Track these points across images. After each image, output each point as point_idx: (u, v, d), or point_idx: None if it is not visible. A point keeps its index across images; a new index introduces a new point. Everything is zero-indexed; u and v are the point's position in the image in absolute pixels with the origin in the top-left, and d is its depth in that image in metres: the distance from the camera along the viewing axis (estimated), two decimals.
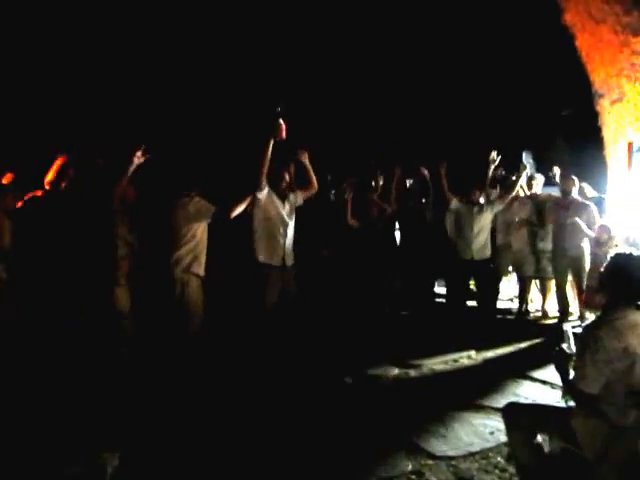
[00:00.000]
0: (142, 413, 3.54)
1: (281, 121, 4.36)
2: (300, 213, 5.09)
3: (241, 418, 3.47)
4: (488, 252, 5.93)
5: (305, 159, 4.85)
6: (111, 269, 4.36)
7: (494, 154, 5.79)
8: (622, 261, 2.30)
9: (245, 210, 4.65)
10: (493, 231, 6.21)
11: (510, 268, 6.55)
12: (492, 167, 5.84)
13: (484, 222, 5.86)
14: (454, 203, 5.89)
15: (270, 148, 4.34)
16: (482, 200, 5.97)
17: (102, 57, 7.91)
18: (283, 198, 4.72)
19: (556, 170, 6.21)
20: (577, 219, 5.45)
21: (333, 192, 6.55)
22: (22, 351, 4.05)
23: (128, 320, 4.42)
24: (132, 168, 4.29)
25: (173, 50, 8.35)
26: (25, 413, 3.49)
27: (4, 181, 4.47)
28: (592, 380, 2.14)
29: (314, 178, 4.92)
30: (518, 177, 5.90)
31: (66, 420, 3.41)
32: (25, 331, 4.17)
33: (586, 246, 5.60)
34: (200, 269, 4.65)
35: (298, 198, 4.86)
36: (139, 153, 4.27)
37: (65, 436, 3.19)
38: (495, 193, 6.34)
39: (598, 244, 5.47)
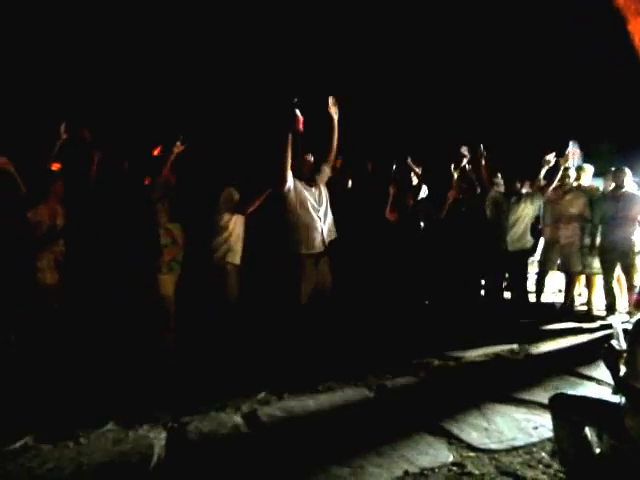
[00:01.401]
0: (183, 394, 3.66)
1: (298, 113, 4.32)
2: (341, 203, 5.08)
3: (278, 406, 3.53)
4: (525, 244, 5.75)
5: (335, 112, 4.61)
6: (154, 257, 4.49)
7: (550, 156, 5.60)
8: None
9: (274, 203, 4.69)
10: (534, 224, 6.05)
11: (558, 263, 6.32)
12: (545, 167, 5.67)
13: (521, 213, 5.69)
14: (493, 192, 5.77)
15: (290, 141, 4.30)
16: (523, 191, 5.83)
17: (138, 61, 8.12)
18: (310, 183, 4.63)
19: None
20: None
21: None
22: (71, 333, 4.24)
23: (171, 305, 4.55)
24: (172, 157, 4.44)
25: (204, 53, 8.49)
26: (73, 392, 3.65)
27: (53, 168, 4.64)
28: None
29: (336, 138, 4.67)
30: (558, 167, 5.67)
31: (111, 397, 3.56)
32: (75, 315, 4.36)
33: (637, 239, 5.40)
34: (235, 258, 4.73)
35: (325, 173, 4.73)
36: (178, 143, 4.42)
37: (111, 414, 3.33)
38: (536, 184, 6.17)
39: None
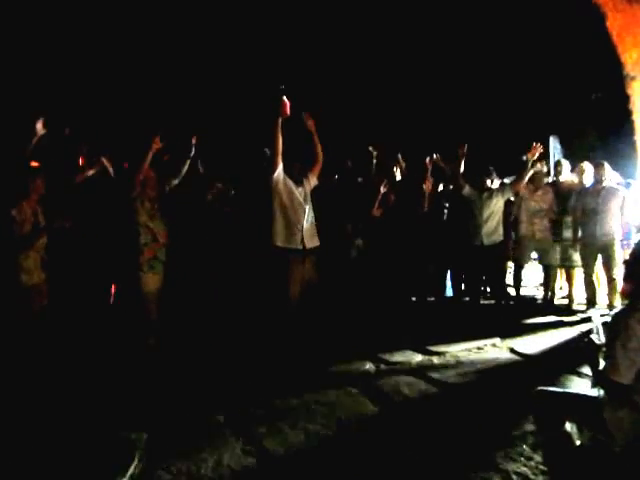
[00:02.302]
0: (165, 397, 3.62)
1: (285, 98, 4.42)
2: (331, 201, 5.18)
3: (261, 404, 3.50)
4: (498, 238, 5.90)
5: (311, 125, 4.77)
6: (135, 255, 4.43)
7: (533, 154, 5.70)
8: None
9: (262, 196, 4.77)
10: (507, 219, 6.11)
11: (534, 256, 6.45)
12: (530, 164, 5.76)
13: (494, 208, 5.85)
14: (466, 189, 5.84)
15: (279, 127, 4.41)
16: (493, 186, 5.99)
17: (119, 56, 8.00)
18: (298, 183, 4.77)
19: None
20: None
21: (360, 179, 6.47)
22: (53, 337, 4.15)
23: (154, 305, 4.49)
24: (151, 154, 4.35)
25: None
26: (52, 398, 3.59)
27: (32, 165, 4.54)
28: (624, 370, 2.08)
29: (320, 148, 4.84)
30: (528, 162, 5.77)
31: (91, 404, 3.51)
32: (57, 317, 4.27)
33: (617, 233, 5.48)
34: None
35: (311, 181, 4.88)
36: (157, 139, 4.33)
37: (89, 419, 3.28)
38: (508, 179, 6.29)
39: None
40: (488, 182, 5.97)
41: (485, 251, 5.82)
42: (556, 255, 5.98)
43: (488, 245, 5.82)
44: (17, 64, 7.24)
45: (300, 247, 4.69)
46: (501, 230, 5.94)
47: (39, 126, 4.26)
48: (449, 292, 6.37)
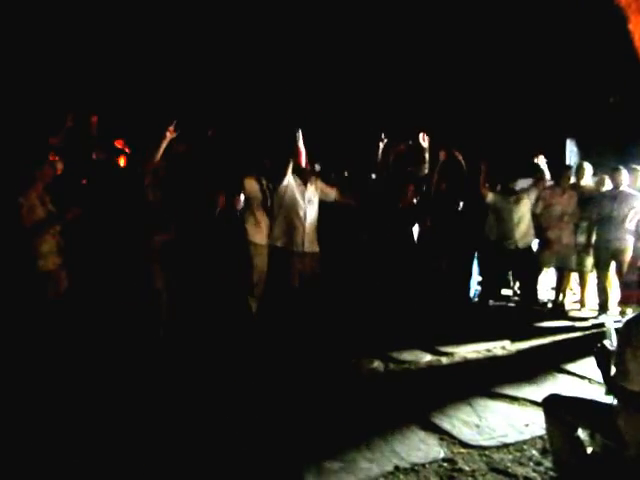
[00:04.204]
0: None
1: (301, 146, 4.47)
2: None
3: (267, 402, 3.48)
4: (531, 239, 5.86)
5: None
6: (145, 246, 4.45)
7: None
8: None
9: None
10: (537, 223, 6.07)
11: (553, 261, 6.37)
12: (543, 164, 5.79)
13: (523, 210, 5.78)
14: (490, 197, 5.77)
15: (290, 168, 4.56)
16: (517, 188, 5.96)
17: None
18: (306, 183, 4.76)
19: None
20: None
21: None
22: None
23: (164, 296, 4.51)
24: (165, 143, 4.36)
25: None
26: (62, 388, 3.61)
27: (51, 158, 4.59)
28: (634, 377, 2.07)
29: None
30: (539, 164, 5.80)
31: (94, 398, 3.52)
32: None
33: (630, 239, 5.43)
34: None
35: (318, 187, 4.87)
36: (171, 128, 4.33)
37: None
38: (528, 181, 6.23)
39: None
40: (514, 184, 5.94)
41: (520, 254, 5.74)
42: (575, 260, 5.93)
43: (523, 247, 5.75)
44: (32, 56, 7.27)
45: (300, 250, 4.70)
46: (532, 230, 5.86)
47: (69, 120, 4.33)
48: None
